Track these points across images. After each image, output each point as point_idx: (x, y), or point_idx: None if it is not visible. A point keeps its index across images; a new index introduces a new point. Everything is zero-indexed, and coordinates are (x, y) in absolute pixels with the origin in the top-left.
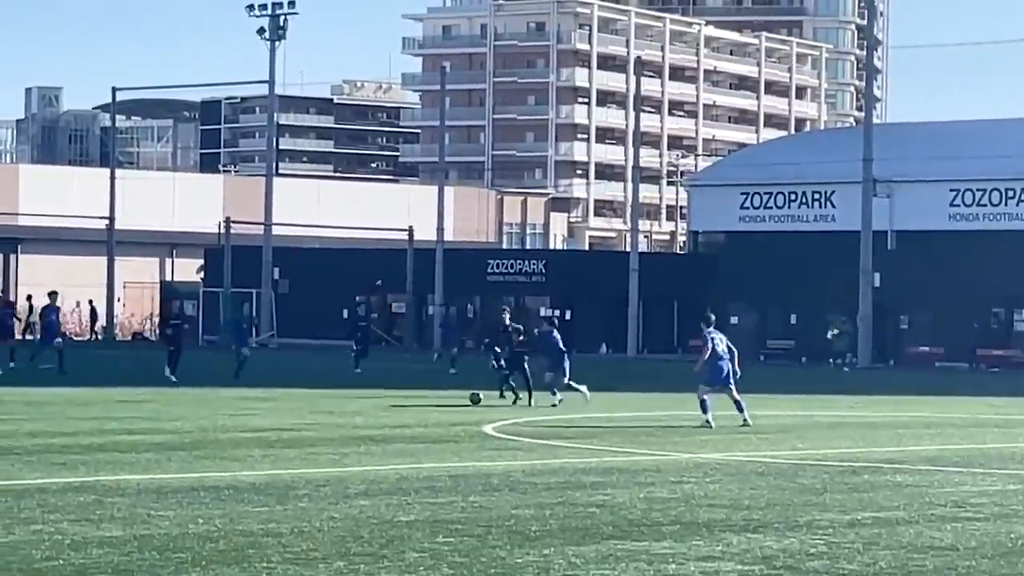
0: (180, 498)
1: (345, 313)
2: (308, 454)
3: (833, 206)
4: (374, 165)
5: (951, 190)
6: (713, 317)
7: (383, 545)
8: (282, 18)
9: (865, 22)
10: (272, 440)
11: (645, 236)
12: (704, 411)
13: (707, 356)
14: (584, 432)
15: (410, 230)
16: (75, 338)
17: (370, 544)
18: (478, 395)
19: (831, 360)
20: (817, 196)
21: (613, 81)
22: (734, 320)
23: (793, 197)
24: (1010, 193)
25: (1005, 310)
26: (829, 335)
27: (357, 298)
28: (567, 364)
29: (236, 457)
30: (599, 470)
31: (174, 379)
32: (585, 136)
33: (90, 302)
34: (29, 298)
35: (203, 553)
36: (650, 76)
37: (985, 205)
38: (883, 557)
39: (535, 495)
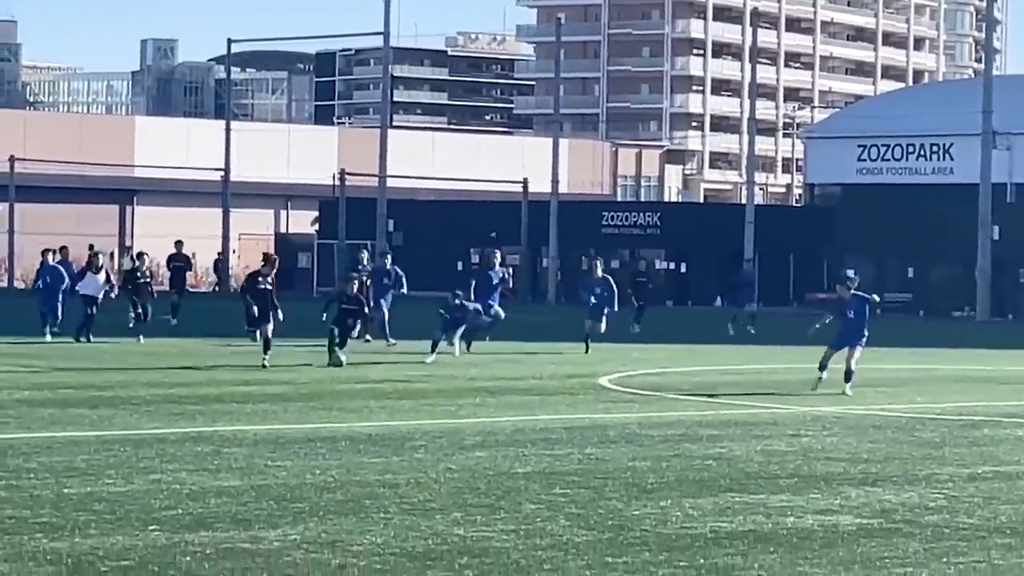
0: (297, 448)
1: (460, 265)
2: (423, 406)
3: (951, 158)
4: (488, 117)
5: None
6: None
7: (499, 497)
8: None
9: None
10: (387, 392)
11: (760, 188)
12: (821, 369)
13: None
14: (700, 385)
15: (524, 182)
16: (191, 289)
17: (486, 495)
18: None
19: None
20: (935, 148)
21: (729, 32)
22: (851, 272)
23: (911, 149)
24: None
25: None
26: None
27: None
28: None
29: (352, 408)
30: (715, 423)
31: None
32: (700, 88)
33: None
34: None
35: (320, 503)
36: (766, 27)
37: None
38: (1004, 512)
39: (651, 447)
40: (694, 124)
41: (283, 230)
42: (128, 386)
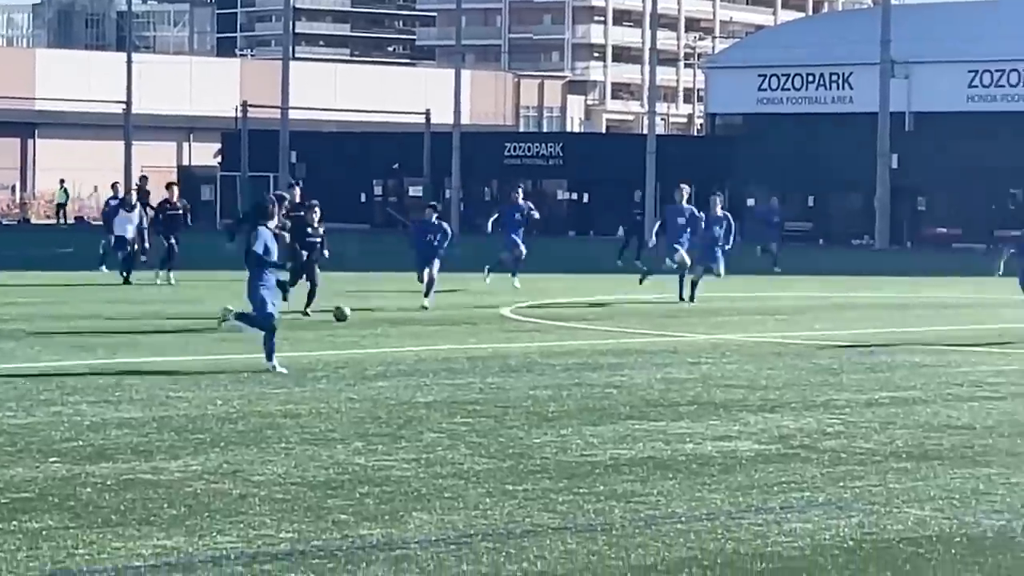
0: (199, 380)
1: (363, 197)
2: (326, 336)
3: (851, 88)
4: (391, 49)
5: (969, 71)
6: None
7: (401, 426)
8: None
9: None
10: (290, 323)
11: (662, 119)
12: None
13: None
14: (601, 314)
15: (427, 114)
16: (93, 222)
17: (388, 425)
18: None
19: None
20: (834, 78)
21: None
22: (751, 202)
23: (810, 79)
24: None
25: (1022, 191)
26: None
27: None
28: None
29: (253, 340)
30: (616, 351)
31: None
32: (602, 18)
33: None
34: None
35: (221, 434)
36: None
37: (1003, 86)
38: (900, 436)
39: (552, 376)
40: (596, 55)
41: (186, 163)
42: (30, 319)
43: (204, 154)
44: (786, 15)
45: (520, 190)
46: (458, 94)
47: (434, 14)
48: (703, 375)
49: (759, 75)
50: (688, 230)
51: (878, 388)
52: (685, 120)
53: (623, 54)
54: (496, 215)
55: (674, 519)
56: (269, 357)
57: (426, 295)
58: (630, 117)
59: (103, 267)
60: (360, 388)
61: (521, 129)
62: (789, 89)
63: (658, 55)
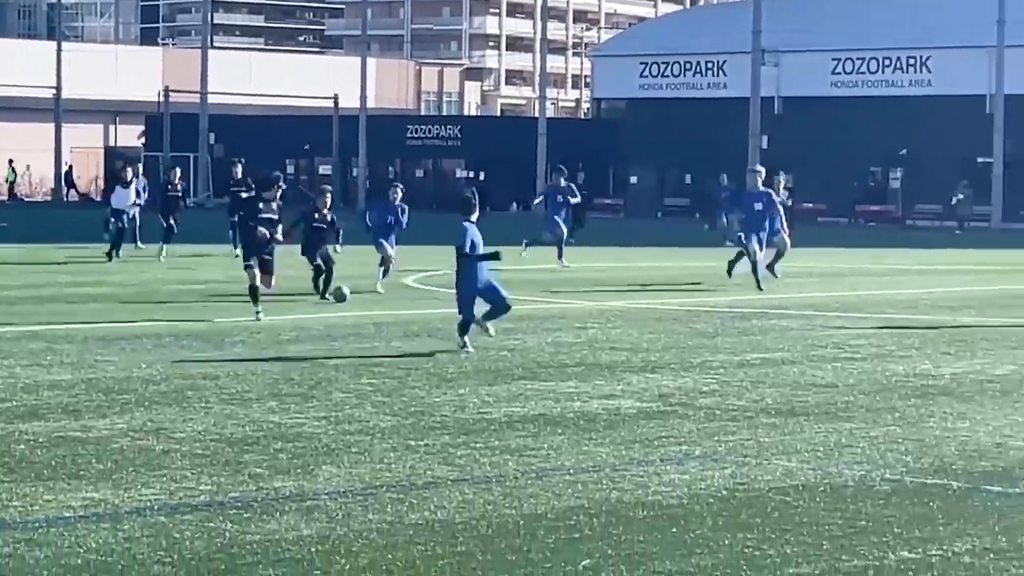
0: (124, 345)
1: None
2: (242, 305)
3: (725, 74)
4: (302, 39)
5: (833, 59)
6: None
7: (312, 387)
8: None
9: None
10: (209, 293)
11: (552, 103)
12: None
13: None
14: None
15: (335, 98)
16: (26, 199)
17: (300, 386)
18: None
19: (956, 224)
20: (710, 65)
21: None
22: (633, 180)
23: (688, 67)
24: (887, 62)
25: (882, 169)
26: (953, 201)
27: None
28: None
29: (176, 308)
30: (510, 317)
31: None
32: (497, 11)
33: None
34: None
35: (146, 395)
36: None
37: (864, 73)
38: (769, 394)
39: (451, 341)
40: (491, 44)
41: (112, 144)
42: None
43: (129, 136)
44: (666, 7)
45: (561, 172)
46: (364, 80)
47: (342, 6)
48: (589, 339)
49: (641, 63)
50: (767, 216)
51: (750, 350)
52: (573, 104)
53: (516, 43)
54: (541, 196)
55: (563, 471)
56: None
57: (383, 276)
58: (522, 102)
59: (138, 242)
60: (274, 352)
61: (422, 113)
62: (668, 76)
63: (548, 44)
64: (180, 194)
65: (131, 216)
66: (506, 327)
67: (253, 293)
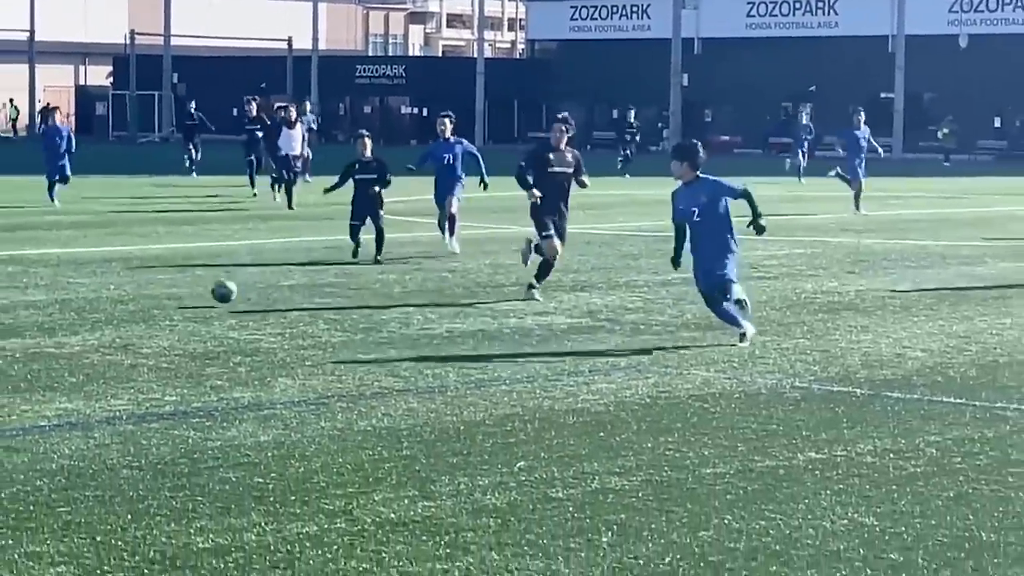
0: (95, 268)
1: (235, 112)
2: (204, 230)
3: (648, 17)
4: None
5: (748, 3)
6: None
7: (268, 305)
8: None
9: None
10: (173, 219)
11: (489, 45)
12: None
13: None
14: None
15: (289, 40)
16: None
17: (257, 304)
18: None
19: (943, 157)
20: (635, 9)
21: None
22: (564, 115)
23: (615, 10)
24: (797, 5)
25: (792, 104)
26: (939, 135)
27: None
28: None
29: (143, 233)
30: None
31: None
32: None
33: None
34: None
35: (115, 314)
36: None
37: (776, 15)
38: (689, 310)
39: (397, 263)
40: None
41: (82, 83)
42: None
43: (98, 75)
44: None
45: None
46: (316, 23)
47: None
48: None
49: (571, 7)
50: (863, 151)
51: (671, 270)
52: (509, 46)
53: None
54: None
55: (499, 381)
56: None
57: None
58: (462, 43)
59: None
60: (233, 274)
61: (370, 54)
62: (596, 19)
63: None
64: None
65: (297, 156)
66: (447, 252)
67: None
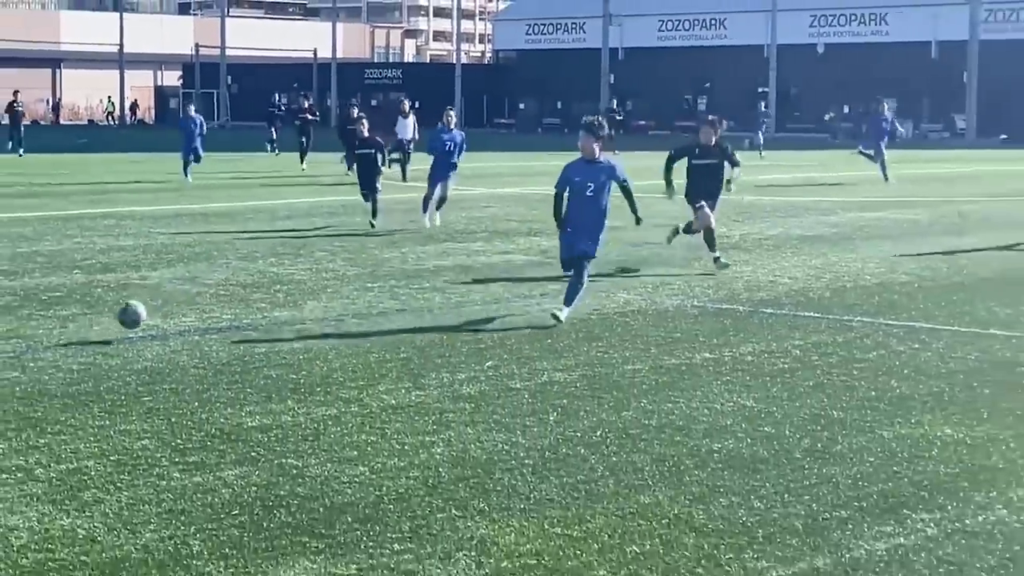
0: (169, 221)
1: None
2: (253, 192)
3: (584, 32)
4: (291, 9)
5: (659, 20)
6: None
7: (299, 248)
8: None
9: None
10: (233, 184)
11: (466, 54)
12: None
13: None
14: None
15: (314, 51)
16: (102, 124)
17: (292, 247)
18: None
19: (831, 136)
20: (574, 26)
21: None
22: (522, 106)
23: (559, 26)
24: (695, 21)
25: (692, 96)
26: (826, 118)
27: (276, 96)
28: None
29: (206, 196)
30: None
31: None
32: None
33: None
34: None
35: (184, 254)
36: None
37: (680, 30)
38: (615, 251)
39: (394, 217)
40: (423, 12)
41: (159, 84)
42: (58, 184)
43: (171, 79)
44: None
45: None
46: (334, 38)
47: None
48: (492, 215)
49: (527, 24)
50: (887, 133)
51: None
52: (480, 54)
53: (440, 12)
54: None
55: (473, 303)
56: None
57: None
58: (445, 52)
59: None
60: (273, 225)
61: (375, 61)
62: (546, 33)
63: (462, 12)
64: (313, 117)
65: (409, 140)
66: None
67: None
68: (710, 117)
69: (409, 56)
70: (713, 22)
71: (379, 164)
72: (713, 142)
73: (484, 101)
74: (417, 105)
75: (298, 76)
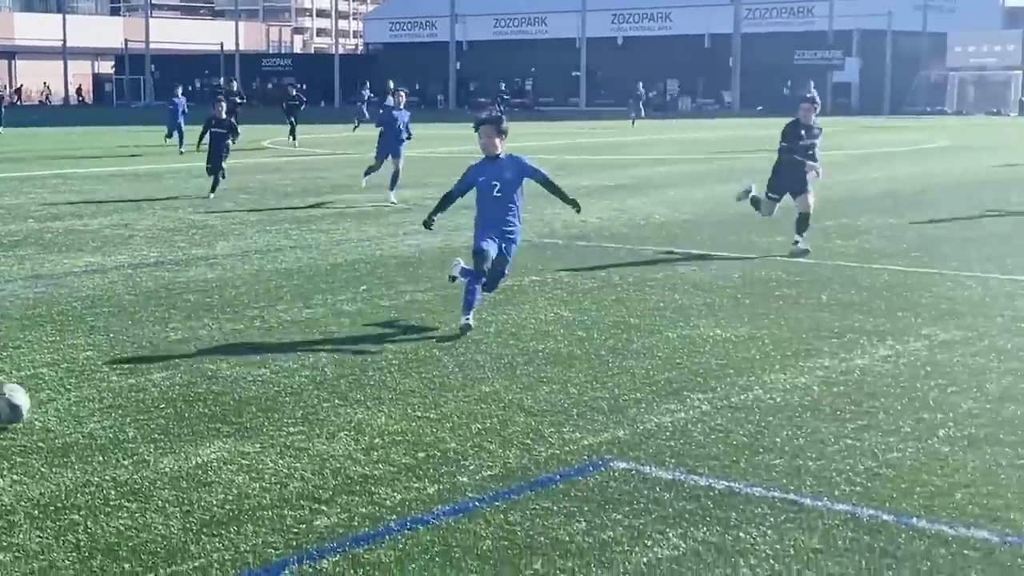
0: (105, 180)
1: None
2: (173, 157)
3: (436, 28)
4: (202, 10)
5: (494, 19)
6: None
7: (211, 200)
8: None
9: None
10: (159, 152)
11: (342, 46)
12: None
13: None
14: (351, 142)
15: (221, 45)
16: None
17: (205, 201)
18: None
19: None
20: (428, 22)
21: None
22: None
23: (417, 23)
24: (523, 19)
25: (521, 80)
26: (648, 96)
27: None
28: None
29: (135, 160)
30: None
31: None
32: None
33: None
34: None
35: (118, 206)
36: None
37: (511, 26)
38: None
39: (286, 172)
40: (308, 13)
41: (96, 72)
42: (13, 152)
43: (106, 67)
44: None
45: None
46: (237, 34)
47: None
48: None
49: (390, 23)
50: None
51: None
52: (355, 47)
53: (322, 12)
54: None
55: (350, 241)
56: None
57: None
58: (326, 45)
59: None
60: (189, 183)
61: (270, 52)
62: (406, 29)
63: (339, 13)
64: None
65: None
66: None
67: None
68: (808, 95)
69: (297, 48)
70: (536, 19)
71: (229, 144)
72: (813, 119)
73: (357, 85)
74: (303, 87)
75: (208, 65)
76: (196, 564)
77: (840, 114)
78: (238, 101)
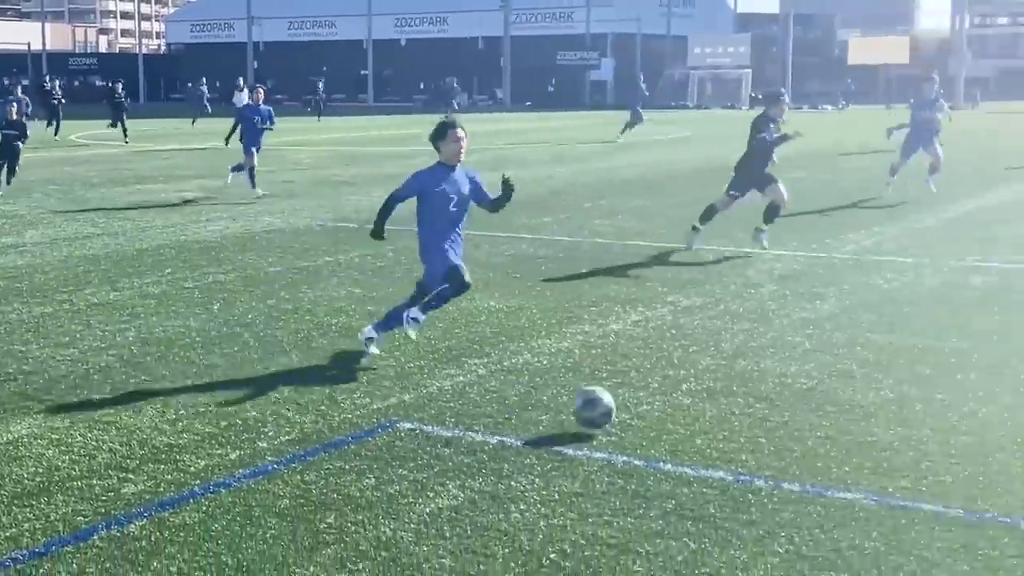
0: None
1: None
2: None
3: (234, 29)
4: (10, 13)
5: (288, 21)
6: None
7: (20, 191)
8: None
9: None
10: None
11: (146, 46)
12: None
13: None
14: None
15: (28, 44)
16: None
17: (14, 193)
18: None
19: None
20: (226, 24)
21: None
22: (190, 85)
23: (217, 25)
24: (316, 22)
25: (317, 79)
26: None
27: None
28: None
29: None
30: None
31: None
32: None
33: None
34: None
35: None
36: None
37: (306, 28)
38: (261, 189)
39: (95, 164)
40: (112, 15)
41: None
42: None
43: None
44: None
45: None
46: (44, 35)
47: None
48: (171, 164)
49: (191, 24)
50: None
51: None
52: (157, 47)
53: (126, 14)
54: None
55: (155, 228)
56: None
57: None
58: (130, 45)
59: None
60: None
61: (77, 52)
62: (207, 31)
63: (142, 15)
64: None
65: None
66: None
67: None
68: (778, 91)
69: (103, 48)
70: (327, 22)
71: (19, 145)
72: (784, 116)
73: (161, 82)
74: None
75: (16, 64)
76: (8, 535)
77: (597, 109)
78: (58, 99)
